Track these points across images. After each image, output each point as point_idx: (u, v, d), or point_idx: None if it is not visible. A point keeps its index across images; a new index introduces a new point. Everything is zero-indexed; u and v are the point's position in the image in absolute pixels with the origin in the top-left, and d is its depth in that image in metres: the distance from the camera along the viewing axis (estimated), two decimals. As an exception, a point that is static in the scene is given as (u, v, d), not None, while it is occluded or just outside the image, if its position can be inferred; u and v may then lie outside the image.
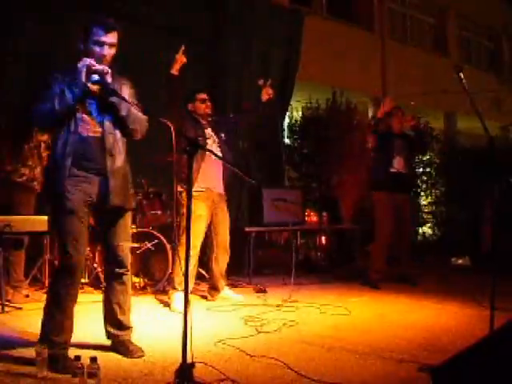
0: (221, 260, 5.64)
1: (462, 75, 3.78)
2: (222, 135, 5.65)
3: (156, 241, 6.05)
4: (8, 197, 5.33)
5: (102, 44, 3.33)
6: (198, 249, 5.37)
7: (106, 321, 3.64)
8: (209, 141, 5.49)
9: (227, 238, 5.67)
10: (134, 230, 5.93)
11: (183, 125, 5.17)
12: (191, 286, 5.42)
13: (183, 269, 2.94)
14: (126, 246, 3.58)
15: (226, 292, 5.74)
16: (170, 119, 3.42)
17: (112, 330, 3.60)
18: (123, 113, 3.39)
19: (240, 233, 6.81)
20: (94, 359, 2.82)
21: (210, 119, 5.63)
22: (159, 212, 6.44)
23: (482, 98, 4.20)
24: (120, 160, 3.45)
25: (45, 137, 5.38)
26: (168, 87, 5.15)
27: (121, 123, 3.44)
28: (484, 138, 3.97)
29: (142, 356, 3.52)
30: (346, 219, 8.52)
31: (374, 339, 4.12)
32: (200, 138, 5.28)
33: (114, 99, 3.34)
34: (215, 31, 8.27)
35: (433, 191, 10.86)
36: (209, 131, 5.58)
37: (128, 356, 3.50)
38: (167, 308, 5.24)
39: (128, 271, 3.62)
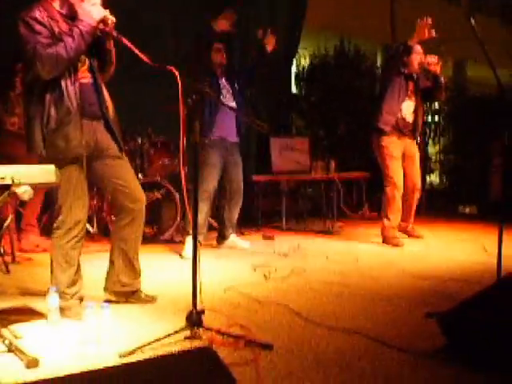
0: (233, 207, 5.72)
1: (473, 21, 3.70)
2: (236, 85, 5.65)
3: (164, 190, 6.07)
4: (7, 147, 5.30)
5: None
6: (210, 194, 5.45)
7: (116, 272, 3.57)
8: (223, 91, 5.54)
9: (240, 185, 5.71)
10: (142, 180, 5.94)
11: (197, 75, 5.06)
12: (204, 231, 5.49)
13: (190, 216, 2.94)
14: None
15: (233, 239, 5.78)
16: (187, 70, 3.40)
17: (124, 279, 3.56)
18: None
19: (248, 181, 6.81)
20: (105, 307, 2.86)
21: (224, 69, 5.63)
22: (167, 161, 6.43)
23: (492, 46, 4.11)
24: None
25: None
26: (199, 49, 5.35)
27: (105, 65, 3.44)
28: (494, 86, 3.91)
29: (155, 303, 3.57)
30: (355, 167, 8.48)
31: (381, 286, 4.15)
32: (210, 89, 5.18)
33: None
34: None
35: (441, 139, 10.78)
36: (223, 81, 5.61)
37: (141, 304, 3.54)
38: (176, 256, 5.29)
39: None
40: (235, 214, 5.75)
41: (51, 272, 3.33)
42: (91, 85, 3.33)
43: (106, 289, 3.61)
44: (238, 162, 5.70)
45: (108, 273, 3.60)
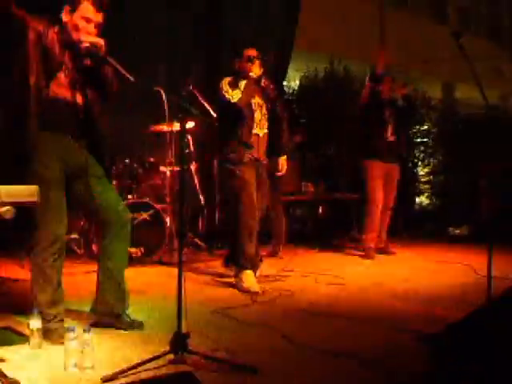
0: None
1: (460, 41, 3.71)
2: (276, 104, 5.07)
3: (152, 211, 6.01)
4: None
5: (89, 21, 3.27)
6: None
7: (102, 293, 3.50)
8: (256, 112, 4.89)
9: (263, 212, 5.16)
10: (131, 201, 5.90)
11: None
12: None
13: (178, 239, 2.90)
14: None
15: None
16: None
17: (111, 300, 3.47)
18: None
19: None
20: (87, 330, 2.80)
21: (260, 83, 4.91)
22: (156, 182, 6.39)
23: (481, 66, 4.14)
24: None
25: None
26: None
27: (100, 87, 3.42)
28: (483, 106, 3.92)
29: (140, 328, 3.48)
30: (343, 189, 8.48)
31: (370, 308, 4.12)
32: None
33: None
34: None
35: (430, 161, 10.81)
36: (257, 99, 4.93)
37: (125, 329, 3.46)
38: (164, 277, 5.21)
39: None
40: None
41: (31, 292, 3.27)
42: (73, 104, 3.30)
43: (92, 310, 3.54)
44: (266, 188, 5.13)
45: (96, 293, 3.53)
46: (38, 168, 3.20)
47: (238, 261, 4.82)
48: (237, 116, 4.78)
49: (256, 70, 4.86)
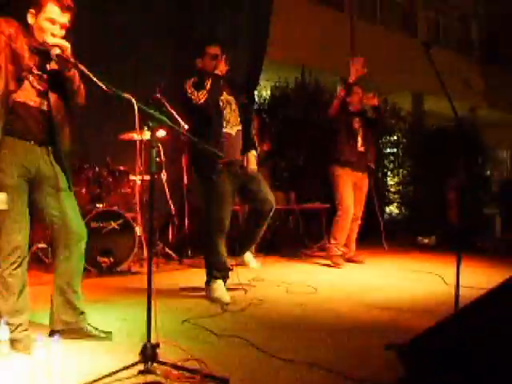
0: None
1: (430, 52, 3.76)
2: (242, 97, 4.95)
3: (122, 220, 5.96)
4: None
5: (54, 23, 3.21)
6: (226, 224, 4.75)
7: (54, 310, 3.40)
8: (225, 110, 4.74)
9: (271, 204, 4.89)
10: (100, 209, 5.84)
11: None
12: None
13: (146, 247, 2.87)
14: None
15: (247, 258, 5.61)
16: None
17: (65, 318, 3.38)
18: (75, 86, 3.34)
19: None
20: (55, 340, 2.76)
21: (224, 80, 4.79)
22: (126, 190, 6.35)
23: (450, 78, 4.21)
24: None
25: None
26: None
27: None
28: (452, 118, 3.97)
29: (109, 339, 3.42)
30: (314, 198, 8.51)
31: (340, 317, 4.13)
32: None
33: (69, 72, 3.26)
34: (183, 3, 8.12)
35: (400, 171, 10.93)
36: (225, 96, 4.79)
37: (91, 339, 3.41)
38: (133, 287, 5.16)
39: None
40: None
41: None
42: (39, 110, 3.24)
43: (50, 327, 3.44)
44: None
45: (50, 312, 3.44)
46: None
47: (208, 271, 4.79)
48: (206, 117, 4.62)
49: (221, 67, 4.73)
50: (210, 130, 4.62)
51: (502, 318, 2.56)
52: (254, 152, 4.90)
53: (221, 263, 4.74)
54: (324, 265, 6.70)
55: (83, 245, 3.41)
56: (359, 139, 6.75)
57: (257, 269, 5.53)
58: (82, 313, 3.44)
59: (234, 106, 4.81)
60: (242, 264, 5.47)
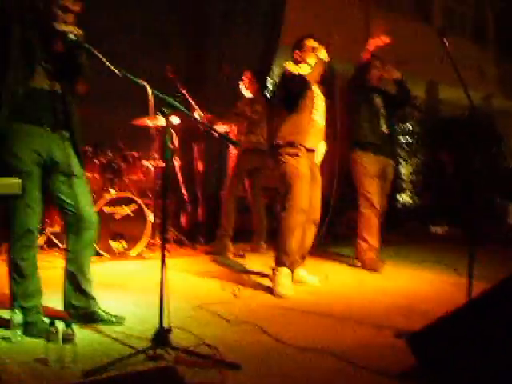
0: (308, 235, 4.74)
1: (445, 40, 3.71)
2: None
3: (135, 205, 5.98)
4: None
5: (67, 11, 3.20)
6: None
7: (66, 294, 3.43)
8: (317, 101, 4.75)
9: (318, 210, 4.79)
10: (113, 195, 5.86)
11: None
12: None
13: (161, 234, 2.88)
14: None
15: (302, 274, 4.86)
16: None
17: (76, 303, 3.41)
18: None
19: (217, 197, 6.76)
20: (68, 324, 2.78)
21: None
22: (139, 176, 6.37)
23: (465, 67, 4.16)
24: None
25: None
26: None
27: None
28: (466, 107, 3.94)
29: (122, 323, 3.44)
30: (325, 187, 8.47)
31: (351, 305, 4.14)
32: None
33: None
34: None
35: (413, 160, 10.88)
36: (316, 89, 4.77)
37: (103, 324, 3.42)
38: (146, 272, 5.18)
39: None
40: (308, 244, 4.85)
41: (9, 286, 3.24)
42: (52, 93, 3.24)
43: (64, 310, 3.48)
44: (318, 183, 4.86)
45: (62, 296, 3.46)
46: (12, 160, 3.14)
47: (277, 257, 4.55)
48: (299, 94, 4.60)
49: (323, 55, 4.72)
50: (298, 117, 4.72)
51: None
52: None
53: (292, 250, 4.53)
54: (336, 253, 6.64)
55: (94, 232, 3.43)
56: (382, 119, 5.77)
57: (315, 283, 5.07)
58: (93, 298, 3.46)
59: (320, 101, 4.91)
60: (299, 282, 4.77)
